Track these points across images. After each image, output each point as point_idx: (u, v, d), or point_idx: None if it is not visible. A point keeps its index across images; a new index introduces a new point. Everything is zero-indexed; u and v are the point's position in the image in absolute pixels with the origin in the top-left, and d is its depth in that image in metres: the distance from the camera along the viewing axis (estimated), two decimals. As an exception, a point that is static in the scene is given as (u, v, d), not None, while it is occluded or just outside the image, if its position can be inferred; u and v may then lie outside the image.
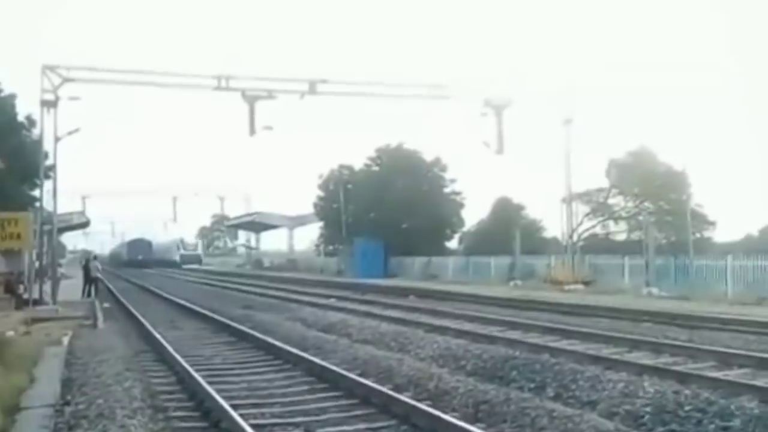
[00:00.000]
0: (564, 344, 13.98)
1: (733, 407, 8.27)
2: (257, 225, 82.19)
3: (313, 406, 9.45)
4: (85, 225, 69.88)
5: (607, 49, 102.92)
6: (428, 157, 55.01)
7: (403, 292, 30.85)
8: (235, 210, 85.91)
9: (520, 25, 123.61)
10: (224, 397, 9.34)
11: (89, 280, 31.89)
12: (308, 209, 66.71)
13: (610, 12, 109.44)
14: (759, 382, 9.88)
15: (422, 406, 8.65)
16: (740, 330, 15.12)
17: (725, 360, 11.54)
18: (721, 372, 10.79)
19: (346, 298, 27.71)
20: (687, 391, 9.11)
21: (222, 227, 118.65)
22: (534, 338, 15.05)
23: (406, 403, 8.81)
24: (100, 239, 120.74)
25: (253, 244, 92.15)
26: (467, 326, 17.52)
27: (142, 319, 19.90)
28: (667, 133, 48.32)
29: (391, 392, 9.46)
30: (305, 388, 10.62)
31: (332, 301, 26.76)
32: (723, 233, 44.68)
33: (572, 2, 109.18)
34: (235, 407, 8.87)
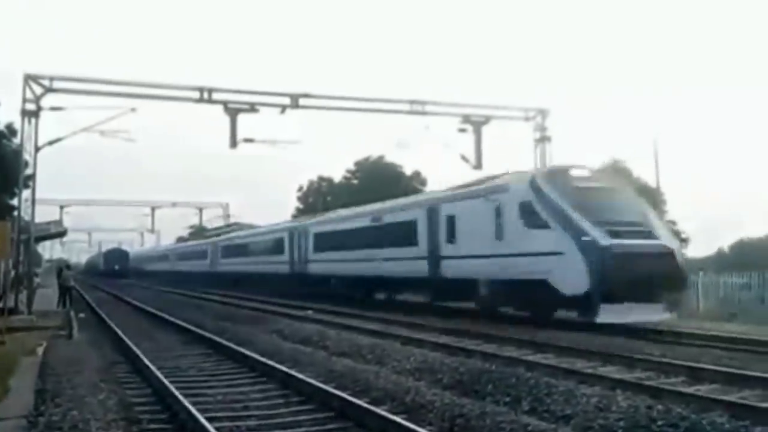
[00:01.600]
0: (539, 358, 14.08)
1: (704, 422, 8.39)
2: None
3: (288, 419, 9.45)
4: (62, 234, 69.25)
5: (581, 67, 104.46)
6: (408, 170, 55.46)
7: (380, 303, 30.89)
8: (213, 221, 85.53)
9: (499, 44, 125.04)
10: (199, 410, 9.32)
11: (64, 289, 31.64)
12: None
13: (583, 30, 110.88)
14: (729, 398, 10.03)
15: (399, 419, 8.67)
16: (711, 345, 15.28)
17: (696, 375, 11.69)
18: (692, 387, 10.94)
19: (323, 310, 27.69)
20: (659, 406, 9.24)
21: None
22: (509, 352, 15.15)
23: (382, 417, 8.83)
24: (77, 248, 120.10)
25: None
26: (443, 339, 17.60)
27: (118, 330, 19.81)
28: (641, 148, 49.24)
29: (367, 405, 9.46)
30: (281, 401, 10.61)
31: (309, 313, 26.74)
32: (695, 249, 45.33)
33: (548, 22, 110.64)
34: (210, 420, 8.86)
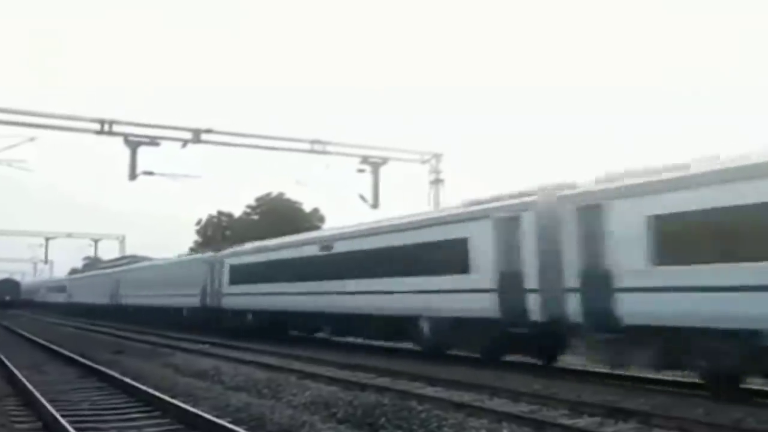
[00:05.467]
0: (430, 391, 14.53)
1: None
2: (130, 268, 79.83)
3: (183, 452, 9.54)
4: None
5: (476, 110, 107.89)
6: (307, 207, 55.86)
7: (277, 338, 30.84)
8: (109, 253, 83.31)
9: (398, 88, 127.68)
10: (92, 443, 9.31)
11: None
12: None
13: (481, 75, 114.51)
14: (606, 430, 10.72)
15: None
16: (592, 381, 15.97)
17: (577, 408, 12.28)
18: (572, 420, 11.52)
19: (219, 344, 27.50)
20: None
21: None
22: (402, 385, 15.51)
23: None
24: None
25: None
26: (339, 373, 17.85)
27: (7, 362, 19.25)
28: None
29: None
30: (176, 435, 10.65)
31: (206, 347, 26.54)
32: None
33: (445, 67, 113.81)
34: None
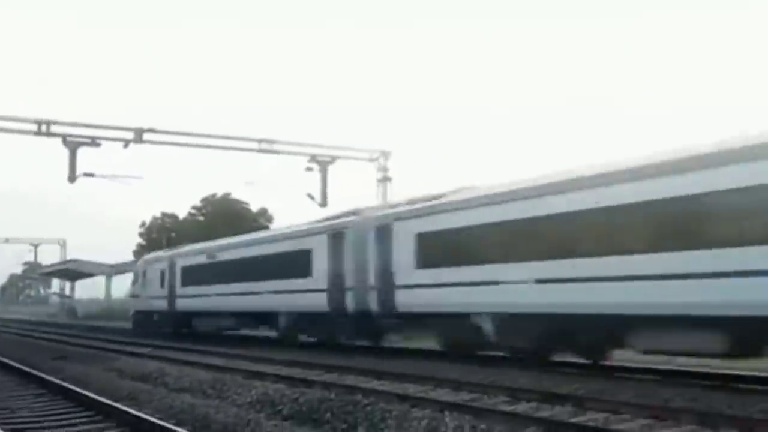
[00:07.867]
0: (375, 385, 14.69)
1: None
2: (72, 273, 78.57)
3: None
4: None
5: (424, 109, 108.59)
6: (255, 207, 55.54)
7: (223, 339, 30.76)
8: (50, 257, 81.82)
9: (348, 86, 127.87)
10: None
11: None
12: (129, 257, 64.88)
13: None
14: (542, 414, 11.00)
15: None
16: (532, 369, 16.28)
17: (515, 395, 12.63)
18: (511, 406, 11.83)
19: (164, 347, 27.27)
20: (483, 425, 9.99)
21: (34, 275, 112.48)
22: (349, 380, 15.65)
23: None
24: None
25: (67, 292, 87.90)
26: (286, 371, 17.87)
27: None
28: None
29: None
30: (118, 438, 10.55)
31: (149, 350, 26.29)
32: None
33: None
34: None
